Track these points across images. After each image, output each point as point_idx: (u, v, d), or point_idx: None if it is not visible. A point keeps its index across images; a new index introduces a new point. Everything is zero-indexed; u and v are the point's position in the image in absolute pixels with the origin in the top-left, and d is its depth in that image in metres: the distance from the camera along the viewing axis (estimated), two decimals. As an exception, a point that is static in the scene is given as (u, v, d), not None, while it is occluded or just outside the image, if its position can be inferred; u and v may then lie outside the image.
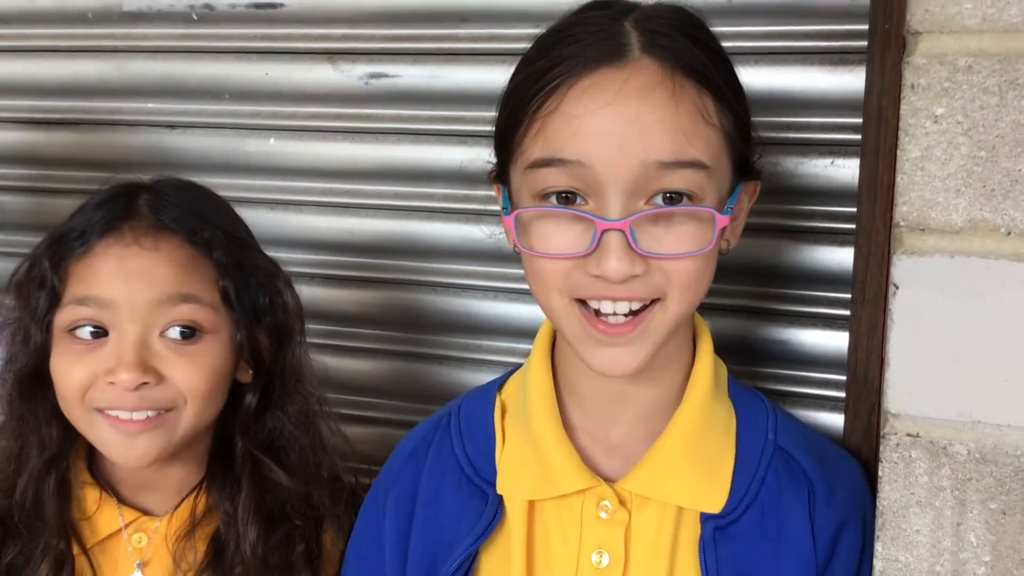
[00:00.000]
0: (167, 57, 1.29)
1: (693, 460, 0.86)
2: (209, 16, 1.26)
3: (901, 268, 0.79)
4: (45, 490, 0.98)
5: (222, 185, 1.11)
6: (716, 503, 0.85)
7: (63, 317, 0.94)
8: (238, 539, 0.97)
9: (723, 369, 0.92)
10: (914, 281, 0.79)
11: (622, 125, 0.76)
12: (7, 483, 0.98)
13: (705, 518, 0.85)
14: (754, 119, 0.83)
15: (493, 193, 1.19)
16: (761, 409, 0.90)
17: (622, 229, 0.76)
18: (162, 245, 0.94)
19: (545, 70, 0.78)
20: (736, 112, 0.80)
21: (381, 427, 1.29)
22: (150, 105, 1.32)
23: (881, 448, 0.80)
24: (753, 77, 0.96)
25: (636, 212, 0.77)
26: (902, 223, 0.78)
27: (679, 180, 0.77)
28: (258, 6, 1.24)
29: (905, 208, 0.78)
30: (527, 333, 1.21)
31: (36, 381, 0.97)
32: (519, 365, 0.97)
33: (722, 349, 0.92)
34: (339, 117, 1.24)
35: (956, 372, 0.78)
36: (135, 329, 0.92)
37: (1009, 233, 0.76)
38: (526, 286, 1.18)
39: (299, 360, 1.03)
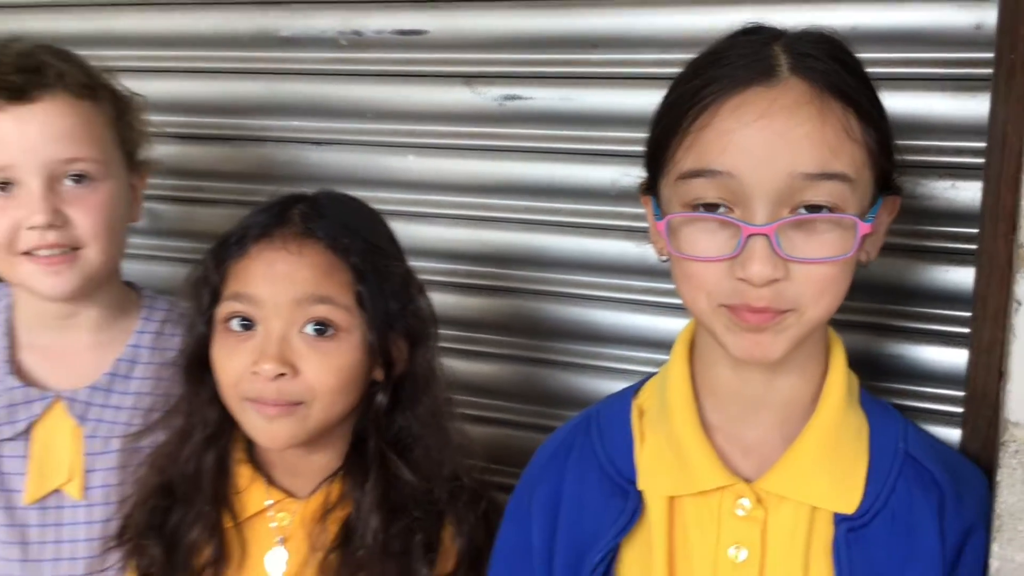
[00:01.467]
0: (316, 79, 1.40)
1: (828, 463, 0.91)
2: (357, 42, 1.36)
3: (1023, 286, 0.84)
4: (204, 465, 1.09)
5: (363, 198, 1.21)
6: (850, 504, 0.90)
7: (221, 310, 1.05)
8: (364, 526, 1.05)
9: (855, 380, 0.97)
10: (1035, 298, 0.83)
11: (770, 139, 0.82)
12: (176, 456, 1.10)
13: (839, 519, 0.90)
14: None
15: (614, 208, 1.26)
16: (892, 419, 0.95)
17: (767, 234, 0.82)
18: (306, 250, 1.03)
19: (699, 88, 0.85)
20: (879, 129, 0.86)
21: (502, 428, 1.37)
22: (296, 123, 1.43)
23: (1000, 454, 0.84)
24: (877, 102, 1.01)
25: (780, 219, 0.82)
26: (1024, 244, 0.83)
27: (823, 192, 0.82)
28: (402, 32, 1.34)
29: (1028, 230, 0.83)
30: (645, 343, 1.29)
31: (199, 367, 1.08)
32: (638, 371, 1.03)
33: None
34: (474, 136, 1.33)
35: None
36: (278, 325, 1.02)
37: None
38: (646, 297, 1.27)
39: (430, 363, 1.10)
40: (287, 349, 1.01)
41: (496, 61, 1.31)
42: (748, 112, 0.82)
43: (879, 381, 1.13)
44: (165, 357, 1.21)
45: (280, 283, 1.02)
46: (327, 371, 1.02)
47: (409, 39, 1.34)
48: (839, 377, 0.94)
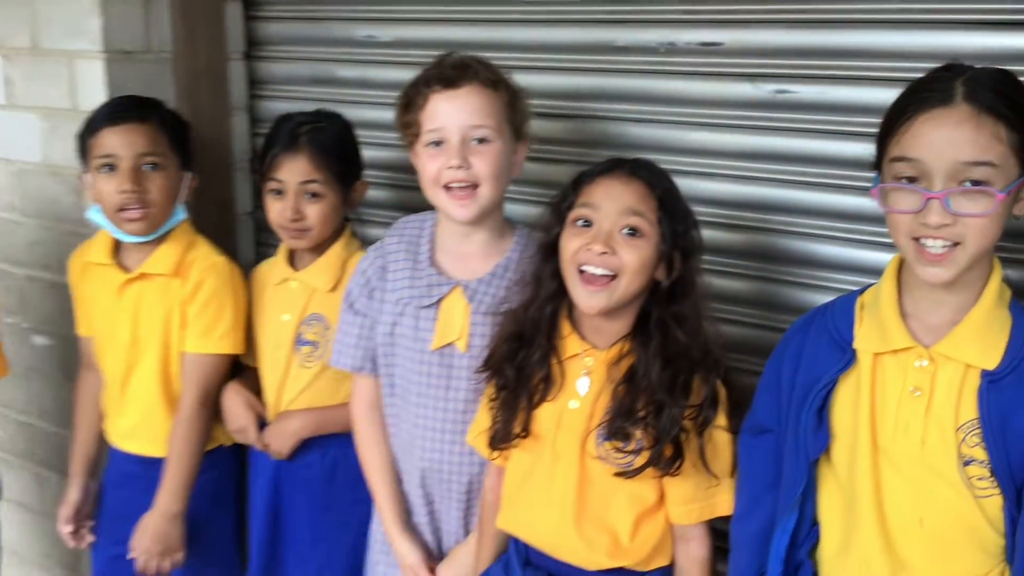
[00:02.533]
0: (640, 76, 1.95)
1: (979, 338, 1.35)
2: (671, 50, 1.90)
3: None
4: (543, 317, 1.60)
5: (668, 162, 1.74)
6: (993, 363, 1.34)
7: (572, 215, 1.57)
8: (645, 368, 1.54)
9: (1007, 291, 1.40)
10: None
11: (944, 140, 1.29)
12: (527, 311, 1.63)
13: (984, 374, 1.34)
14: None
15: (849, 172, 1.72)
16: None
17: (939, 197, 1.29)
18: (632, 184, 1.55)
19: (905, 107, 1.34)
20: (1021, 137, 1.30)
21: (741, 328, 1.88)
22: (623, 107, 1.99)
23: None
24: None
25: (949, 189, 1.29)
26: None
27: (977, 172, 1.28)
28: (704, 44, 1.86)
29: None
30: (856, 269, 1.74)
31: (550, 251, 1.61)
32: (846, 290, 1.49)
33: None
34: (752, 119, 1.83)
35: None
36: (606, 225, 1.53)
37: None
38: (855, 236, 1.72)
39: (694, 274, 1.58)
40: (612, 240, 1.53)
41: (772, 65, 1.80)
42: (931, 124, 1.30)
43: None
44: (523, 269, 1.73)
45: (612, 200, 1.54)
46: (634, 256, 1.53)
47: (709, 48, 1.86)
48: (994, 286, 1.37)
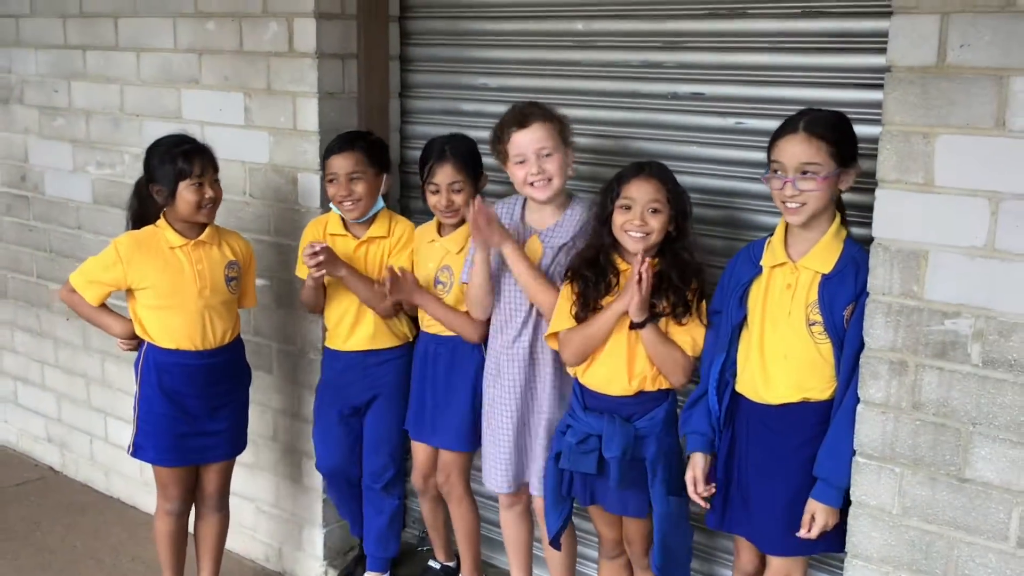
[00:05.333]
0: (655, 112, 3.12)
1: (822, 256, 2.47)
2: (674, 96, 3.07)
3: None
4: (600, 254, 2.78)
5: (672, 166, 2.89)
6: (827, 270, 2.47)
7: (618, 203, 2.73)
8: (668, 271, 2.72)
9: (844, 232, 2.51)
10: None
11: (790, 151, 2.45)
12: (590, 247, 2.81)
13: (823, 276, 2.48)
14: None
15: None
16: (855, 244, 2.49)
17: (790, 180, 2.45)
18: (651, 179, 2.77)
19: (777, 133, 2.62)
20: (839, 144, 2.43)
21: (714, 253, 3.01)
22: (644, 131, 3.15)
23: (866, 252, 2.37)
24: None
25: (795, 176, 2.45)
26: None
27: (809, 168, 2.41)
28: (694, 93, 3.02)
29: None
30: (766, 229, 2.88)
31: (604, 220, 2.77)
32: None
33: None
34: (722, 139, 2.98)
35: None
36: (639, 209, 2.70)
37: None
38: (769, 208, 2.88)
39: (688, 228, 2.75)
40: (643, 215, 2.70)
41: (733, 107, 2.96)
42: (786, 141, 2.46)
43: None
44: (586, 229, 2.92)
45: (641, 193, 2.71)
46: (657, 223, 2.70)
47: (696, 96, 3.02)
48: (831, 230, 2.49)
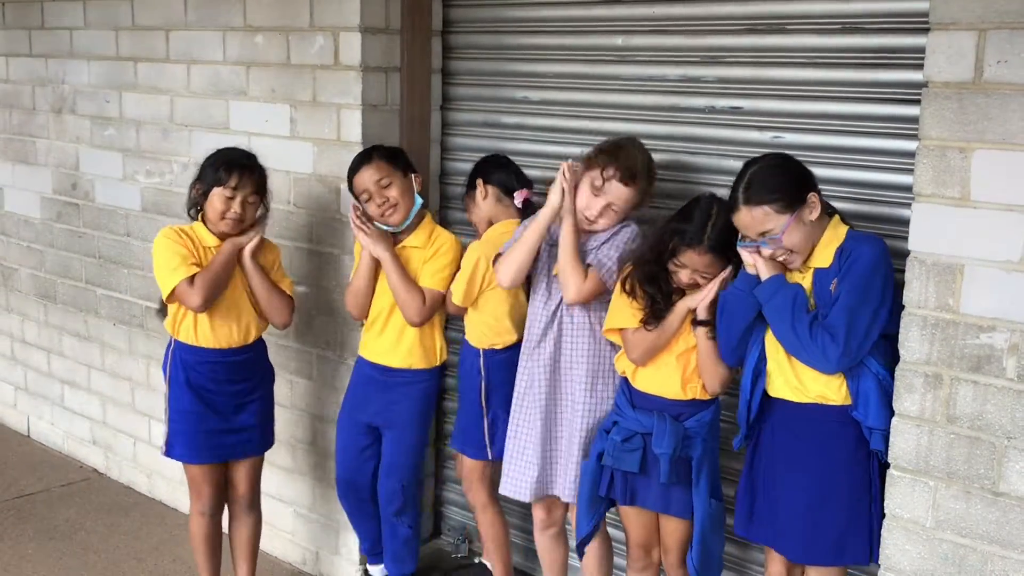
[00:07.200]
0: (696, 126, 3.15)
1: (819, 256, 2.53)
2: (713, 111, 3.10)
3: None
4: (655, 257, 2.84)
5: (708, 178, 2.93)
6: (825, 265, 2.51)
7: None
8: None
9: (842, 228, 2.54)
10: None
11: (744, 226, 2.57)
12: (645, 247, 2.86)
13: (818, 270, 2.52)
14: None
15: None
16: (856, 233, 2.54)
17: (757, 246, 2.55)
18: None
19: (727, 206, 2.58)
20: (786, 198, 2.49)
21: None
22: (686, 144, 3.18)
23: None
24: None
25: (757, 242, 2.52)
26: None
27: (764, 235, 2.51)
28: (733, 107, 3.05)
29: None
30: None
31: (659, 247, 2.82)
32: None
33: None
34: (761, 153, 3.01)
35: None
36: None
37: None
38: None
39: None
40: (698, 279, 2.77)
41: (771, 121, 2.99)
42: (736, 219, 2.54)
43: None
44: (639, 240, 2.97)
45: (695, 262, 2.75)
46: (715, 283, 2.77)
47: (735, 110, 3.05)
48: (825, 238, 2.52)
